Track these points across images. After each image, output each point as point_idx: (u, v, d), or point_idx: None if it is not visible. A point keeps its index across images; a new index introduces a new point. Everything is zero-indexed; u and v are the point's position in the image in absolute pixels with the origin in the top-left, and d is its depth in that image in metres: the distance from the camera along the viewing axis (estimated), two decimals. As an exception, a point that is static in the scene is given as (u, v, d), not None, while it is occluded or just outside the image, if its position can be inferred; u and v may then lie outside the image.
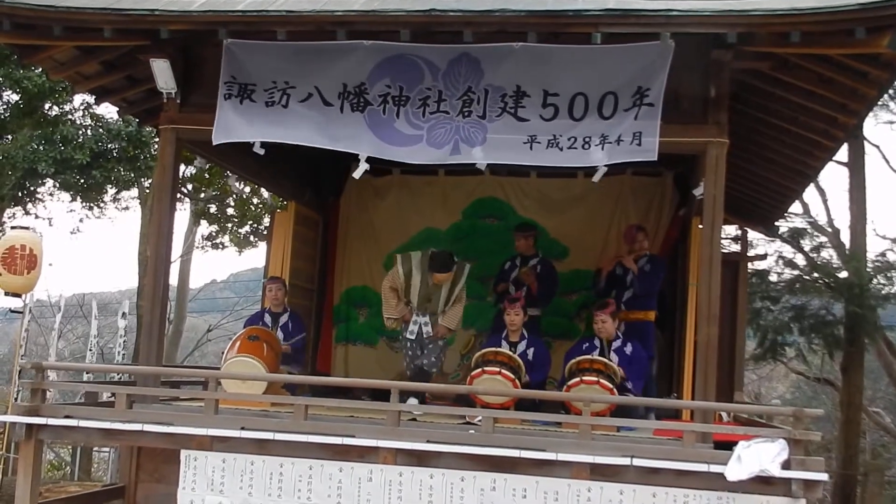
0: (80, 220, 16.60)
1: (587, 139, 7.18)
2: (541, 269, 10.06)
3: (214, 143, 7.75)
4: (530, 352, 8.40)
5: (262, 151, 7.86)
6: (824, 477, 6.48)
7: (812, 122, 8.29)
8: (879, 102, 16.65)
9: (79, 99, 14.31)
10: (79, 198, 14.89)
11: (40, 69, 12.08)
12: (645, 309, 9.47)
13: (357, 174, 7.68)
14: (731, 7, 6.49)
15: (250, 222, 16.12)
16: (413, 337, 9.06)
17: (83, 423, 7.43)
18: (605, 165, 7.21)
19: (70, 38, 7.87)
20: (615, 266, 9.68)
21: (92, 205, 15.50)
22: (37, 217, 15.64)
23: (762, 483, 6.42)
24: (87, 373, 13.37)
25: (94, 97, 9.64)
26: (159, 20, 7.33)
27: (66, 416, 7.50)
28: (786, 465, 6.39)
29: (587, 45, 6.91)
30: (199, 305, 33.35)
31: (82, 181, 14.03)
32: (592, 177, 7.37)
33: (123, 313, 18.55)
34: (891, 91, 16.98)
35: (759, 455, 6.39)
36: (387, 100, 7.52)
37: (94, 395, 8.72)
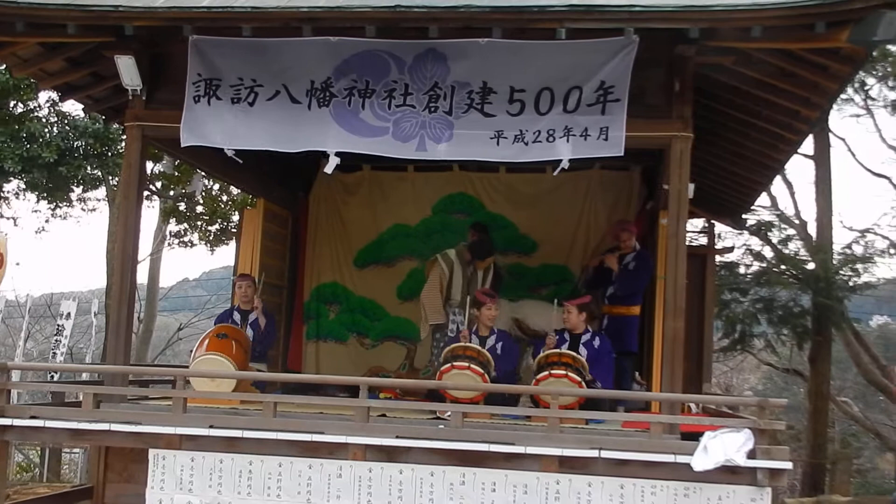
0: (46, 221, 16.46)
1: (551, 132, 7.20)
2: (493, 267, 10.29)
3: (183, 145, 7.73)
4: (499, 346, 8.45)
5: (238, 160, 7.93)
6: (789, 465, 6.56)
7: (776, 116, 8.37)
8: (845, 96, 16.88)
9: (44, 96, 14.17)
10: (45, 197, 14.75)
11: (3, 66, 11.95)
12: (628, 304, 9.49)
13: (328, 169, 7.65)
14: (694, 2, 6.54)
15: (220, 220, 16.03)
16: (454, 335, 9.23)
17: (50, 424, 7.39)
18: (570, 160, 7.23)
19: (33, 35, 7.79)
20: (601, 262, 9.73)
21: (58, 204, 15.35)
22: (2, 217, 15.48)
23: (728, 473, 6.50)
24: (52, 372, 13.26)
25: (59, 94, 9.55)
26: (123, 16, 7.27)
27: (33, 417, 7.46)
28: (751, 455, 6.48)
29: (552, 41, 6.95)
30: (172, 304, 33.15)
31: (48, 180, 13.90)
32: (562, 170, 7.37)
33: (93, 312, 18.42)
34: (856, 85, 17.18)
35: (725, 445, 6.46)
36: (352, 92, 7.48)
37: (61, 395, 8.66)
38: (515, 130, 7.27)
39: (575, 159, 7.26)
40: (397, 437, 6.92)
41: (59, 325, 16.16)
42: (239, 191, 11.61)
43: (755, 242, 18.03)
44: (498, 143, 7.31)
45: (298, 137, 7.59)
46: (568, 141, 7.19)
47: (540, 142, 7.21)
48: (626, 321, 9.39)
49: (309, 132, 7.55)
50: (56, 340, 16.02)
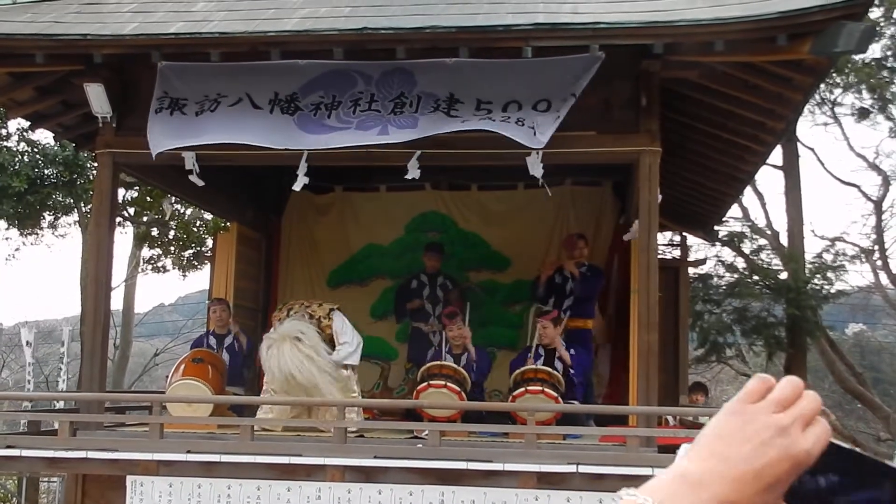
0: (16, 249, 16.33)
1: (521, 120, 7.14)
2: (452, 287, 10.43)
3: (154, 154, 7.60)
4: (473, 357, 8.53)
5: (200, 182, 7.85)
6: (764, 475, 6.59)
7: (742, 128, 8.47)
8: (812, 105, 17.06)
9: (13, 124, 14.09)
10: (15, 224, 14.64)
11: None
12: (583, 317, 9.58)
13: (297, 186, 7.63)
14: (657, 18, 6.63)
15: (193, 244, 15.94)
16: None
17: (26, 453, 7.34)
18: (542, 176, 7.26)
19: (1, 65, 7.81)
20: (555, 273, 9.78)
21: (28, 232, 15.25)
22: (-30, 245, 15.36)
23: (705, 484, 6.52)
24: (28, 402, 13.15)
25: (29, 123, 9.53)
26: (91, 45, 7.29)
27: (8, 447, 7.40)
28: (727, 465, 6.49)
29: (519, 59, 6.99)
30: (148, 329, 32.89)
31: (19, 208, 13.81)
32: (534, 187, 7.37)
33: (63, 341, 18.27)
34: (823, 94, 17.38)
35: (701, 456, 6.48)
36: (319, 107, 7.46)
37: (38, 423, 8.60)
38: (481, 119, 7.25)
39: (546, 175, 7.28)
40: (375, 457, 6.91)
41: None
42: (212, 216, 11.57)
43: (727, 254, 18.17)
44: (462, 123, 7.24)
45: (259, 134, 7.46)
46: (535, 133, 7.10)
47: (508, 122, 7.11)
48: (581, 334, 9.47)
49: (270, 129, 7.45)
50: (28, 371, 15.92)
